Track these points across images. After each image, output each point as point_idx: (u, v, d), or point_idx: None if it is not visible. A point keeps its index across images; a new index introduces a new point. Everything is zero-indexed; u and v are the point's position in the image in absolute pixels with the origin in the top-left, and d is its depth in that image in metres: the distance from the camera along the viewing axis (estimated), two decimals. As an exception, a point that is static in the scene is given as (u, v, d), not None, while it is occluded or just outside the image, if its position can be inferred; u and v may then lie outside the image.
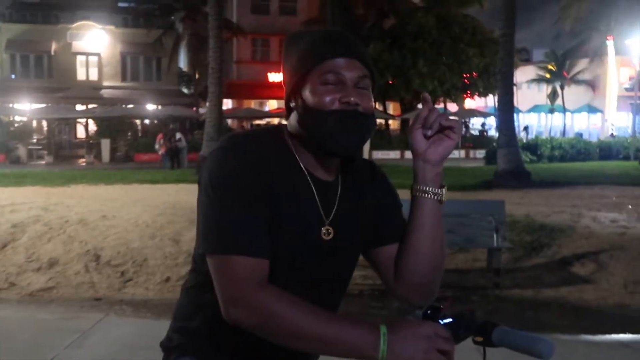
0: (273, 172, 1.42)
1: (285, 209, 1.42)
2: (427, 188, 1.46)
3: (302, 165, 1.47)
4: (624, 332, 5.63)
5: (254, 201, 1.38)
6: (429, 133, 1.43)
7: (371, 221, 1.57)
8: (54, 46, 37.53)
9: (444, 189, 1.48)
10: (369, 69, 1.46)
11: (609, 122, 46.99)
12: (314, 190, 1.47)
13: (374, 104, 1.49)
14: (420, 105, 1.41)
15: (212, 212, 1.38)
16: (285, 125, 1.53)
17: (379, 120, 36.07)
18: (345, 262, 1.57)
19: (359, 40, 1.52)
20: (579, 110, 49.10)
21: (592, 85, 47.54)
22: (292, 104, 1.48)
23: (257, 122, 39.65)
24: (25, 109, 33.86)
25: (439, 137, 1.44)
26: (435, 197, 1.47)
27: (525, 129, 43.63)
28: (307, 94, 1.43)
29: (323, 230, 1.48)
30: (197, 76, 37.65)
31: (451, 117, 1.45)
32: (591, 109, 48.65)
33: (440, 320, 1.31)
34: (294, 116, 1.49)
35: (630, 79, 43.44)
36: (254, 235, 1.36)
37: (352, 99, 1.41)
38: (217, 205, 1.38)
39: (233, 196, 1.37)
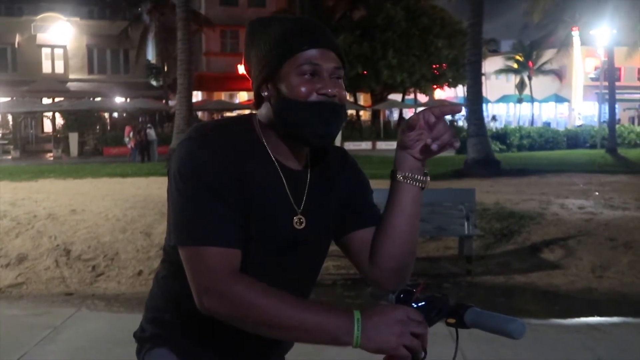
0: (242, 162, 1.41)
1: (256, 199, 1.42)
2: (411, 174, 1.46)
3: (271, 155, 1.47)
4: (592, 315, 5.75)
5: (224, 192, 1.37)
6: (434, 147, 1.38)
7: (342, 208, 1.57)
8: (17, 38, 36.79)
9: (427, 177, 1.48)
10: (341, 60, 1.46)
11: (575, 111, 47.71)
12: (283, 179, 1.47)
13: (346, 94, 1.49)
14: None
15: (182, 204, 1.38)
16: (255, 114, 1.51)
17: (350, 112, 36.19)
18: (317, 250, 1.58)
19: (328, 29, 1.52)
20: (546, 100, 49.75)
21: (559, 75, 48.19)
22: (264, 94, 1.47)
23: (228, 114, 39.39)
24: (-10, 103, 33.19)
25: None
26: (419, 185, 1.47)
27: (494, 118, 44.13)
28: (282, 85, 1.42)
29: (295, 219, 1.48)
30: (165, 68, 37.25)
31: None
32: (558, 99, 49.34)
33: (413, 304, 1.33)
34: (265, 106, 1.47)
35: (596, 68, 44.15)
36: (224, 225, 1.36)
37: (329, 90, 1.41)
38: (186, 197, 1.37)
39: (202, 187, 1.36)
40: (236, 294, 1.31)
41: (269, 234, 1.45)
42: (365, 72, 33.32)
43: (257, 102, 1.50)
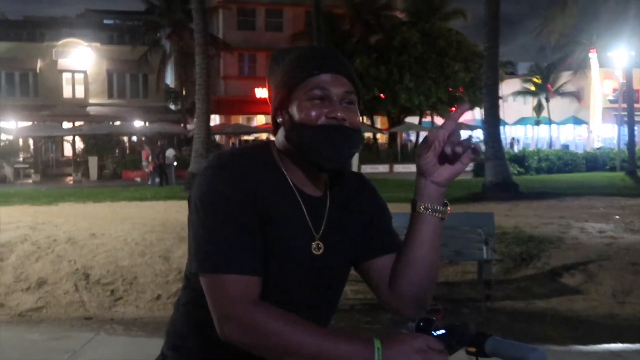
0: (261, 189, 1.43)
1: (275, 225, 1.44)
2: (431, 205, 1.47)
3: (290, 181, 1.49)
4: (615, 342, 5.65)
5: (244, 219, 1.39)
6: (458, 149, 1.37)
7: (361, 234, 1.58)
8: (39, 64, 37.42)
9: (447, 207, 1.49)
10: (354, 85, 1.48)
11: (594, 133, 47.37)
12: (302, 206, 1.48)
13: (360, 119, 1.51)
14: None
15: (203, 232, 1.39)
16: (273, 141, 1.54)
17: (367, 135, 36.26)
18: (336, 276, 1.58)
19: (344, 56, 1.55)
20: (564, 122, 49.43)
21: (577, 97, 47.93)
22: (279, 120, 1.50)
23: (245, 137, 39.66)
24: (11, 127, 33.69)
25: (448, 159, 1.42)
26: (439, 215, 1.48)
27: (518, 141, 44.02)
28: (293, 109, 1.45)
29: (313, 245, 1.49)
30: (184, 92, 37.66)
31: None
32: (577, 121, 49.01)
33: (433, 332, 1.32)
34: (281, 132, 1.50)
35: (614, 90, 43.88)
36: (245, 253, 1.38)
37: (338, 114, 1.43)
38: (207, 225, 1.39)
39: (223, 215, 1.38)
40: (257, 322, 1.32)
41: (287, 260, 1.46)
42: (382, 95, 33.41)
43: (275, 128, 1.53)
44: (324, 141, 1.42)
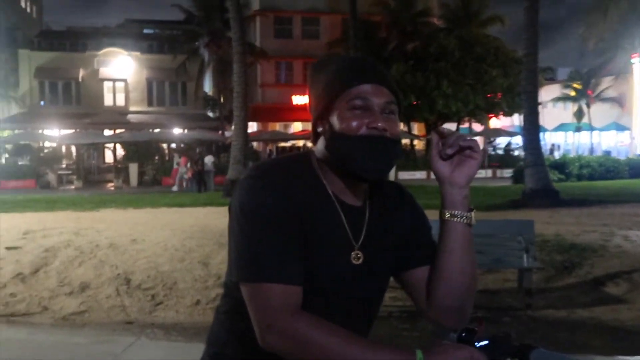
0: (301, 199, 1.44)
1: (315, 235, 1.44)
2: (456, 212, 1.48)
3: (329, 191, 1.49)
4: (661, 353, 5.51)
5: (284, 229, 1.40)
6: (449, 152, 1.45)
7: (401, 244, 1.58)
8: (81, 73, 38.33)
9: (472, 212, 1.49)
10: (395, 95, 1.49)
11: (637, 139, 46.30)
12: (342, 215, 1.49)
13: (400, 129, 1.51)
14: (445, 126, 1.47)
15: (243, 241, 1.41)
16: (313, 151, 1.55)
17: (404, 141, 36.09)
18: (375, 286, 1.57)
19: (380, 63, 1.56)
20: (606, 128, 48.49)
21: (619, 102, 46.97)
22: (320, 130, 1.51)
23: (282, 144, 39.88)
24: (55, 134, 34.53)
25: (461, 159, 1.46)
26: (465, 221, 1.48)
27: (558, 147, 43.36)
28: (334, 119, 1.46)
29: (352, 255, 1.49)
30: (222, 100, 38.07)
31: (469, 138, 1.47)
32: (619, 127, 48.01)
33: (475, 343, 1.31)
34: (321, 141, 1.51)
35: (658, 96, 42.89)
36: (286, 262, 1.38)
37: (379, 124, 1.43)
38: (247, 233, 1.40)
39: (263, 224, 1.39)
40: (298, 332, 1.33)
41: (327, 269, 1.46)
42: (419, 101, 33.26)
43: (315, 138, 1.54)
44: (364, 151, 1.43)
